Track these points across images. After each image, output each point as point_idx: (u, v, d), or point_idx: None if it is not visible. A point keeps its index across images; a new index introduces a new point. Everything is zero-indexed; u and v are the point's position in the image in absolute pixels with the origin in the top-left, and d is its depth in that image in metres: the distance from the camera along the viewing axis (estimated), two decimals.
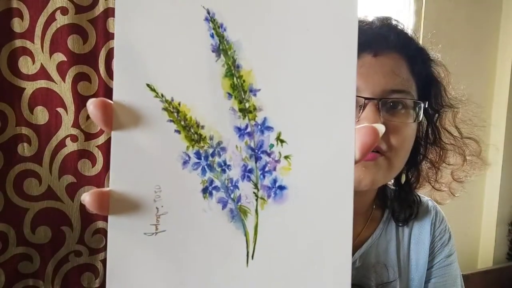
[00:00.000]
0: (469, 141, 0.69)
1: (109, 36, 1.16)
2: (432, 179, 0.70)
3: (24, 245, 1.16)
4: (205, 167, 0.29)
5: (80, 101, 1.17)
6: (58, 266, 1.20)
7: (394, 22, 0.61)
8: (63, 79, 1.15)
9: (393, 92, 0.55)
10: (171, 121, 0.29)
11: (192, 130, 0.29)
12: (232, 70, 0.28)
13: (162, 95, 0.29)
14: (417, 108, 0.57)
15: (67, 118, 1.17)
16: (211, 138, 0.29)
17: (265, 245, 0.29)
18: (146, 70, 0.29)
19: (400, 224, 0.67)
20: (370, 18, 0.61)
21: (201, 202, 0.29)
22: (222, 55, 0.28)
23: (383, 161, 0.56)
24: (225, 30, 0.28)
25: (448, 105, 0.66)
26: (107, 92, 1.18)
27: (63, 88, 1.16)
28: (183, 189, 0.29)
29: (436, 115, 0.65)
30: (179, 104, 0.29)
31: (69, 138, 1.17)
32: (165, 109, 0.29)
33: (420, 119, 0.59)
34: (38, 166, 1.16)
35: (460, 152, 0.68)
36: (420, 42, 1.72)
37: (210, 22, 0.28)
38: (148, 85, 0.29)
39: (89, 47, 1.16)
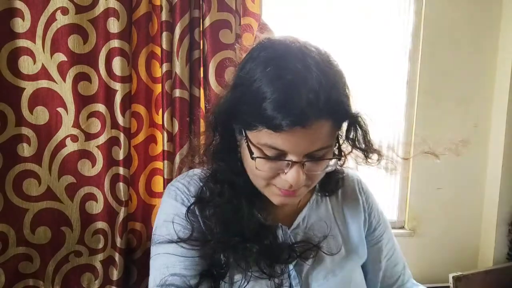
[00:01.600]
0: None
1: (109, 36, 1.16)
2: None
3: (24, 245, 1.16)
4: None
5: (81, 101, 1.17)
6: (58, 266, 1.20)
7: (328, 82, 0.61)
8: (64, 79, 1.15)
9: (317, 150, 0.63)
10: None
11: None
12: None
13: None
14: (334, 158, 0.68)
15: (68, 118, 1.16)
16: None
17: None
18: None
19: (327, 194, 0.82)
20: (307, 77, 0.60)
21: None
22: None
23: (303, 190, 0.68)
24: None
25: (372, 148, 0.72)
26: (107, 92, 1.18)
27: (64, 88, 1.16)
28: None
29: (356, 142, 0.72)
30: None
31: (69, 138, 1.17)
32: None
33: (334, 168, 0.69)
34: (37, 167, 1.15)
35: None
36: (420, 42, 1.71)
37: None
38: None
39: (89, 47, 1.16)
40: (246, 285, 0.68)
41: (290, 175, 0.63)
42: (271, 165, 0.64)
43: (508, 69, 1.63)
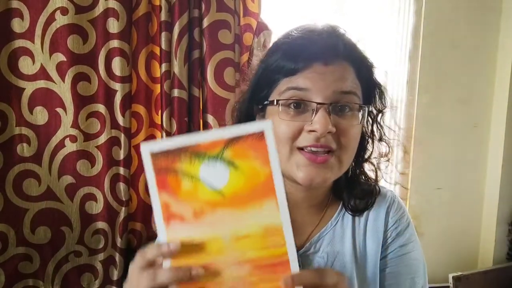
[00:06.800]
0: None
1: (109, 37, 1.16)
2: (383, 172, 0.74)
3: (24, 245, 1.16)
4: None
5: (80, 101, 1.17)
6: (58, 267, 1.20)
7: (341, 31, 0.64)
8: (63, 79, 1.15)
9: (343, 93, 0.60)
10: None
11: None
12: None
13: None
14: (362, 111, 0.63)
15: (67, 118, 1.17)
16: None
17: None
18: None
19: (352, 214, 0.70)
20: (319, 26, 0.64)
21: None
22: None
23: (334, 160, 0.61)
24: None
25: (389, 105, 0.71)
26: (107, 92, 1.18)
27: (63, 88, 1.16)
28: None
29: (380, 114, 0.70)
30: None
31: (68, 138, 1.17)
32: None
33: (365, 121, 0.65)
34: (37, 167, 1.16)
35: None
36: (420, 42, 1.71)
37: None
38: None
39: (89, 47, 1.16)
40: None
41: (316, 119, 0.58)
42: (294, 119, 0.59)
43: (508, 69, 1.63)
